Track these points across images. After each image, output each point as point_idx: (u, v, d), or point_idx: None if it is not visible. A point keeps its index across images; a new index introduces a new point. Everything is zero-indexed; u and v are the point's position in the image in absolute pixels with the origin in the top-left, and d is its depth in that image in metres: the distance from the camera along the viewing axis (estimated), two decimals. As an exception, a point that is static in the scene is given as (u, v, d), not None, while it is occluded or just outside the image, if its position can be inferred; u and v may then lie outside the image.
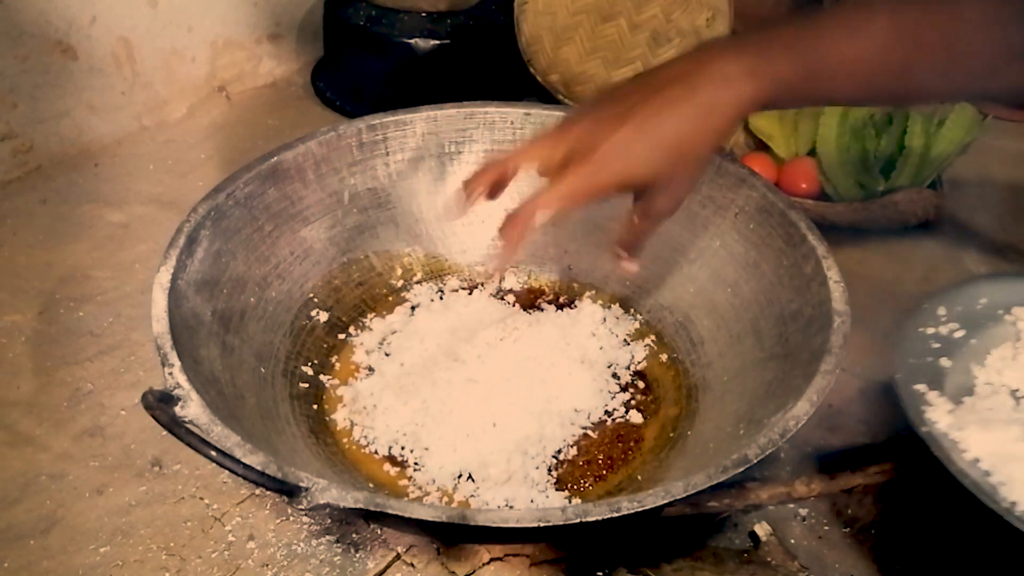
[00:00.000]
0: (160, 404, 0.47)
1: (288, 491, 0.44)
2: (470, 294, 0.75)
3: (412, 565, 0.56)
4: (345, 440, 0.62)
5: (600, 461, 0.61)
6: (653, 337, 0.70)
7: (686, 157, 0.50)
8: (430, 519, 0.44)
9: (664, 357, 0.69)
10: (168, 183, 0.93)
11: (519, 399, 0.62)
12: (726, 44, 0.50)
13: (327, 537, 0.58)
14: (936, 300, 0.63)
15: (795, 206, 0.64)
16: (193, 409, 0.48)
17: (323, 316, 0.70)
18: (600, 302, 0.74)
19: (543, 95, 1.06)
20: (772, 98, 0.49)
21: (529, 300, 0.75)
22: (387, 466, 0.60)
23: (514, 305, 0.74)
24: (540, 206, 0.51)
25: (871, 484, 0.61)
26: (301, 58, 1.15)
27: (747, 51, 0.48)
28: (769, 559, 0.56)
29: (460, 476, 0.58)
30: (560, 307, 0.74)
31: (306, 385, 0.65)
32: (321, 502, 0.44)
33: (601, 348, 0.69)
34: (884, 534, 0.59)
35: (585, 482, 0.59)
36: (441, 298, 0.74)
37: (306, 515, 0.59)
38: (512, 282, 0.76)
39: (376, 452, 0.61)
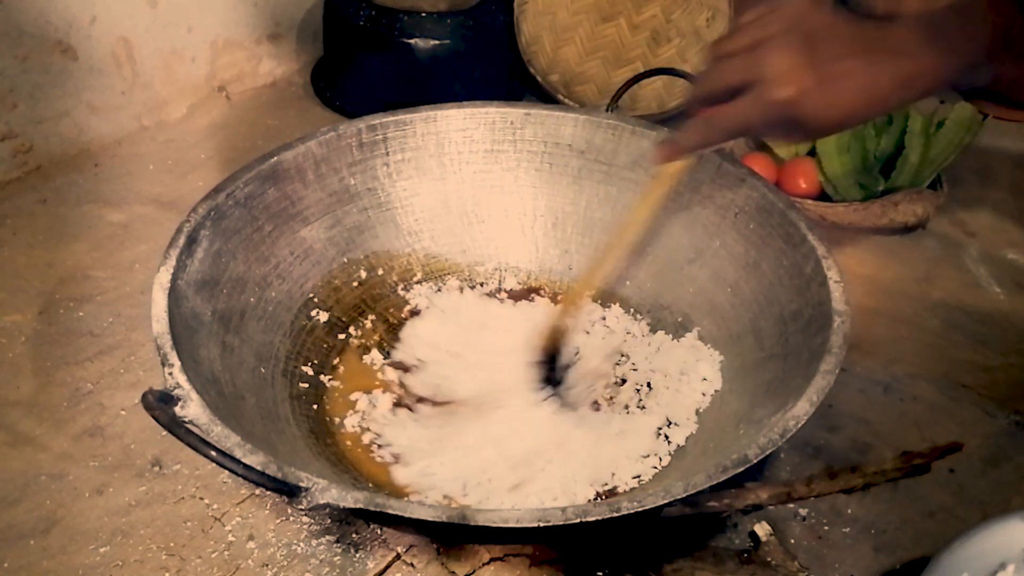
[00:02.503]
0: (160, 404, 0.47)
1: (288, 491, 0.44)
2: (461, 292, 0.75)
3: (412, 565, 0.56)
4: (349, 442, 0.62)
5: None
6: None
7: (869, 118, 0.50)
8: (430, 519, 0.44)
9: (664, 357, 0.69)
10: (168, 183, 0.93)
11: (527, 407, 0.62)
12: (920, 28, 0.49)
13: (327, 537, 0.58)
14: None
15: (795, 206, 0.64)
16: (193, 409, 0.48)
17: (323, 316, 0.70)
18: (600, 302, 0.74)
19: (543, 95, 1.06)
20: (960, 77, 0.49)
21: (526, 299, 0.75)
22: (391, 468, 0.60)
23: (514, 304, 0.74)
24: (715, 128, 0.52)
25: (871, 484, 0.60)
26: (301, 58, 1.15)
27: (939, 38, 0.48)
28: (769, 559, 0.56)
29: (466, 485, 0.58)
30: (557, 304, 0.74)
31: (306, 385, 0.65)
32: (321, 502, 0.44)
33: (600, 347, 0.70)
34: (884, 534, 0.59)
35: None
36: (439, 291, 0.75)
37: (306, 515, 0.59)
38: (512, 282, 0.76)
39: (382, 458, 0.61)
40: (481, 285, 0.76)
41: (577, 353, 0.67)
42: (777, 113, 0.49)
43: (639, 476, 0.59)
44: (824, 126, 0.49)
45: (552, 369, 0.63)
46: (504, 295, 0.75)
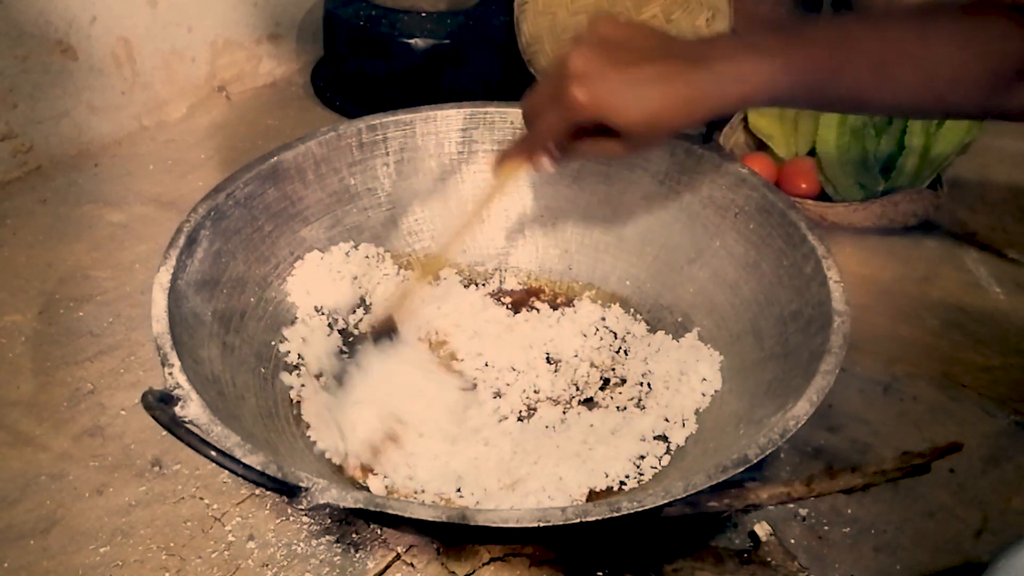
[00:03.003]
0: (160, 404, 0.47)
1: (288, 491, 0.44)
2: (466, 287, 0.75)
3: (412, 565, 0.56)
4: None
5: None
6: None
7: (674, 121, 0.50)
8: (430, 519, 0.44)
9: (664, 357, 0.69)
10: (168, 183, 0.93)
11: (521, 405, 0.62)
12: (741, 37, 0.51)
13: (327, 537, 0.58)
14: None
15: (795, 206, 0.64)
16: (193, 409, 0.48)
17: (323, 316, 0.70)
18: (600, 302, 0.74)
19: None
20: (774, 95, 0.50)
21: (526, 300, 0.75)
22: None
23: (510, 307, 0.74)
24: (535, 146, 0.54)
25: (871, 484, 0.61)
26: (301, 58, 1.15)
27: (762, 47, 0.49)
28: (769, 559, 0.56)
29: (459, 489, 0.58)
30: (555, 307, 0.74)
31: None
32: (321, 502, 0.44)
33: (599, 348, 0.70)
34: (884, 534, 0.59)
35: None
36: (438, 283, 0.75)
37: (306, 515, 0.59)
38: (512, 282, 0.76)
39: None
40: (481, 284, 0.76)
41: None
42: (580, 114, 0.50)
43: (640, 476, 0.59)
44: (631, 128, 0.49)
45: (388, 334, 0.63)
46: (508, 299, 0.75)
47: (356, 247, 0.73)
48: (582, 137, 0.52)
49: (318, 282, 0.70)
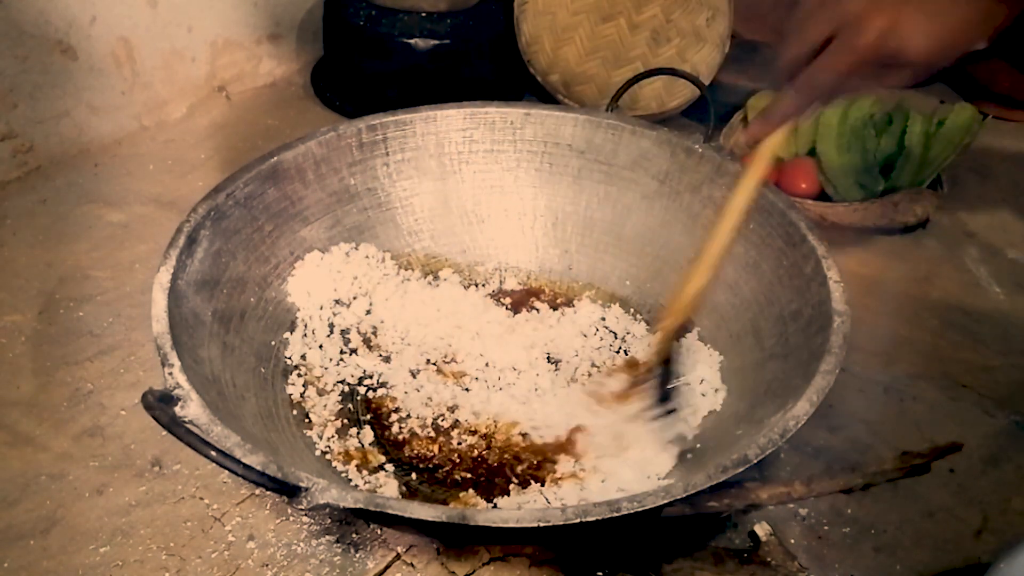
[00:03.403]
0: (160, 404, 0.47)
1: (288, 491, 0.44)
2: (466, 288, 0.75)
3: (412, 565, 0.56)
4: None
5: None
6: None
7: (966, 44, 0.48)
8: (430, 519, 0.44)
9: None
10: (168, 183, 0.93)
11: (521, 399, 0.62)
12: None
13: (327, 537, 0.58)
14: None
15: (795, 206, 0.64)
16: (193, 409, 0.48)
17: (324, 316, 0.70)
18: (600, 302, 0.74)
19: (543, 95, 1.06)
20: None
21: (526, 300, 0.75)
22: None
23: (509, 307, 0.74)
24: (819, 76, 0.50)
25: (871, 484, 0.61)
26: (301, 58, 1.15)
27: None
28: (769, 559, 0.56)
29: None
30: (556, 307, 0.74)
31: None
32: (321, 502, 0.44)
33: (599, 348, 0.70)
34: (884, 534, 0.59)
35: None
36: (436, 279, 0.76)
37: (306, 515, 0.59)
38: (512, 282, 0.76)
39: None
40: (484, 284, 0.76)
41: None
42: (872, 51, 0.48)
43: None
44: (924, 56, 0.48)
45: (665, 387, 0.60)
46: (508, 299, 0.75)
47: (356, 247, 0.73)
48: (865, 72, 0.49)
49: (318, 282, 0.70)
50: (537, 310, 0.73)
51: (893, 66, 0.49)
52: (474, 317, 0.71)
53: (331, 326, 0.70)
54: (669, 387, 0.60)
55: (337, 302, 0.71)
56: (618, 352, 0.70)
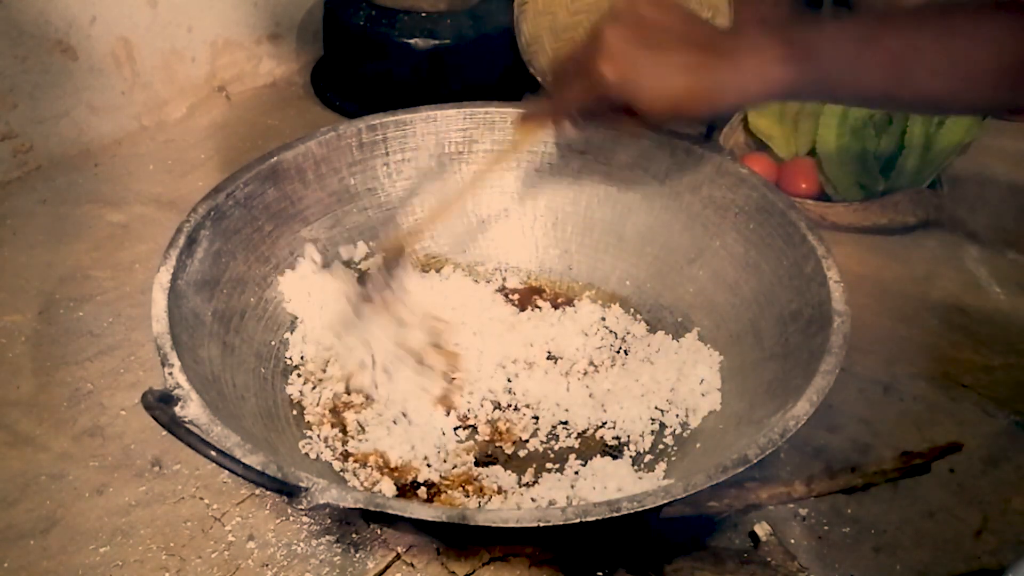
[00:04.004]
0: (160, 404, 0.47)
1: (288, 491, 0.44)
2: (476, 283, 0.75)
3: (412, 565, 0.56)
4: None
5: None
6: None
7: (695, 109, 0.52)
8: (430, 519, 0.44)
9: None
10: (168, 183, 0.93)
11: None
12: (770, 31, 0.52)
13: (327, 537, 0.58)
14: None
15: (795, 206, 0.64)
16: (193, 409, 0.48)
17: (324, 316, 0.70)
18: (600, 302, 0.74)
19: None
20: (795, 90, 0.51)
21: (526, 300, 0.75)
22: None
23: (516, 303, 0.74)
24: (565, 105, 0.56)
25: (871, 484, 0.60)
26: (301, 58, 1.15)
27: (784, 42, 0.50)
28: (769, 559, 0.56)
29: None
30: (556, 307, 0.74)
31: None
32: (321, 502, 0.44)
33: (599, 348, 0.70)
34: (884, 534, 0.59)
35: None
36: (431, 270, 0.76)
37: (306, 515, 0.59)
38: (512, 282, 0.76)
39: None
40: (486, 284, 0.76)
41: None
42: (605, 89, 0.51)
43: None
44: (652, 111, 0.51)
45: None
46: (515, 296, 0.75)
47: (356, 247, 0.73)
48: (604, 109, 0.54)
49: (318, 282, 0.70)
50: (539, 308, 0.73)
51: (635, 107, 0.52)
52: (478, 313, 0.71)
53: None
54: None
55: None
56: (618, 352, 0.70)
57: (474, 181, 0.67)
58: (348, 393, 0.64)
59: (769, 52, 0.50)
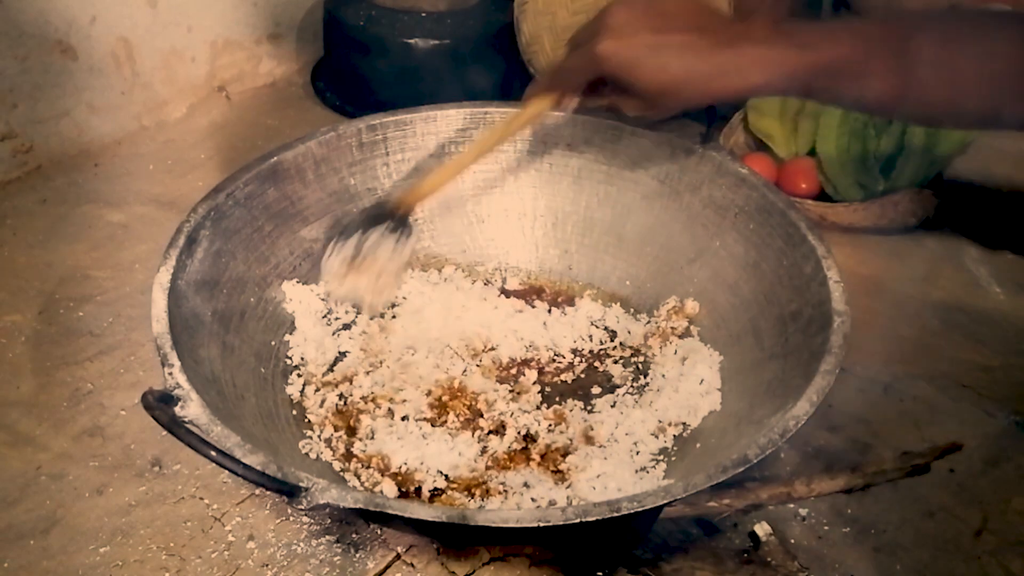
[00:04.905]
0: (160, 404, 0.47)
1: (288, 491, 0.44)
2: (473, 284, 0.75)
3: (412, 565, 0.56)
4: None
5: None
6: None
7: (690, 95, 0.51)
8: (430, 519, 0.44)
9: (664, 357, 0.69)
10: (168, 183, 0.93)
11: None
12: (779, 25, 0.52)
13: (327, 537, 0.58)
14: None
15: (795, 206, 0.64)
16: (193, 409, 0.48)
17: (323, 316, 0.69)
18: (600, 302, 0.74)
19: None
20: (796, 83, 0.50)
21: (528, 299, 0.75)
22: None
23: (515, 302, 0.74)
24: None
25: (871, 484, 0.61)
26: (301, 58, 1.15)
27: (789, 33, 0.50)
28: (769, 559, 0.56)
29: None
30: (556, 307, 0.74)
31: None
32: (321, 502, 0.44)
33: (600, 347, 0.70)
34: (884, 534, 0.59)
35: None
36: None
37: (306, 515, 0.59)
38: (512, 282, 0.76)
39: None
40: (486, 284, 0.76)
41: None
42: (602, 65, 0.52)
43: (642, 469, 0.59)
44: (647, 91, 0.51)
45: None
46: (514, 296, 0.75)
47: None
48: (605, 86, 0.54)
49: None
50: (546, 308, 0.73)
51: (630, 88, 0.52)
52: (479, 311, 0.71)
53: (330, 324, 0.70)
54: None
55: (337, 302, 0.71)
56: (618, 352, 0.70)
57: (474, 151, 0.64)
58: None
59: (773, 42, 0.50)
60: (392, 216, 0.65)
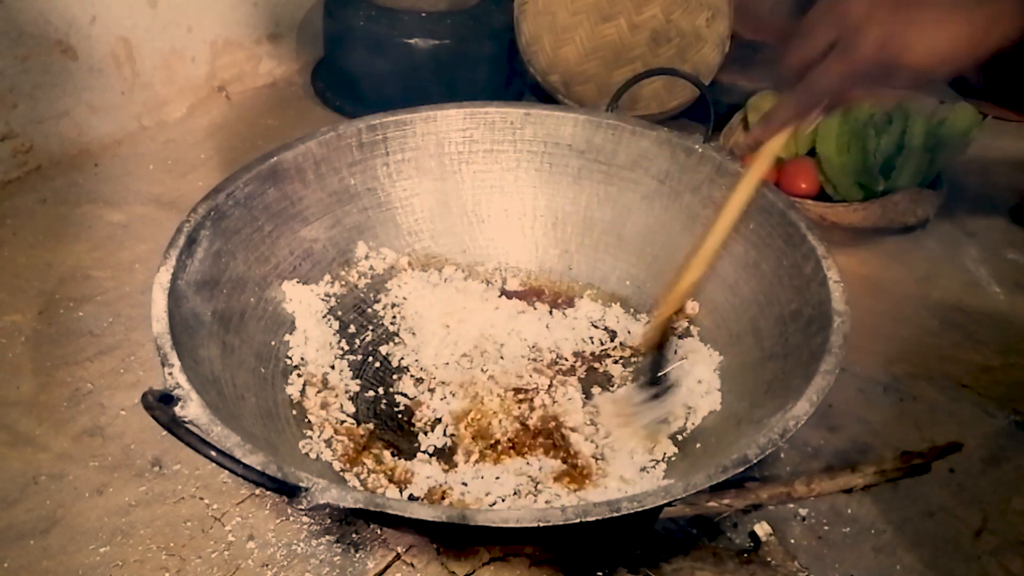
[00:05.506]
0: (160, 404, 0.47)
1: (288, 491, 0.44)
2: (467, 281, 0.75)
3: (412, 565, 0.56)
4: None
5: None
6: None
7: (961, 60, 0.49)
8: (430, 519, 0.44)
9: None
10: (168, 183, 0.93)
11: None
12: None
13: (327, 537, 0.58)
14: None
15: (795, 206, 0.64)
16: (193, 409, 0.48)
17: (324, 315, 0.69)
18: (600, 302, 0.74)
19: (543, 95, 1.06)
20: None
21: (526, 300, 0.75)
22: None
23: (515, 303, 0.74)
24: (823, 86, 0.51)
25: (871, 484, 0.61)
26: (301, 58, 1.15)
27: None
28: (769, 559, 0.56)
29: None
30: (556, 307, 0.74)
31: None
32: (321, 502, 0.44)
33: (600, 347, 0.70)
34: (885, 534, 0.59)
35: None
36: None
37: (306, 515, 0.59)
38: (512, 283, 0.76)
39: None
40: (487, 284, 0.76)
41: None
42: (870, 59, 0.48)
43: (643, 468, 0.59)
44: (923, 66, 0.49)
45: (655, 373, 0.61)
46: (514, 298, 0.75)
47: (356, 247, 0.73)
48: (858, 85, 0.51)
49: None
50: (538, 309, 0.73)
51: (894, 74, 0.49)
52: (480, 313, 0.71)
53: (330, 325, 0.70)
54: (660, 373, 0.61)
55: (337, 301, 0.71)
56: (618, 352, 0.70)
57: (721, 224, 0.57)
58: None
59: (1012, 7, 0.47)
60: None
